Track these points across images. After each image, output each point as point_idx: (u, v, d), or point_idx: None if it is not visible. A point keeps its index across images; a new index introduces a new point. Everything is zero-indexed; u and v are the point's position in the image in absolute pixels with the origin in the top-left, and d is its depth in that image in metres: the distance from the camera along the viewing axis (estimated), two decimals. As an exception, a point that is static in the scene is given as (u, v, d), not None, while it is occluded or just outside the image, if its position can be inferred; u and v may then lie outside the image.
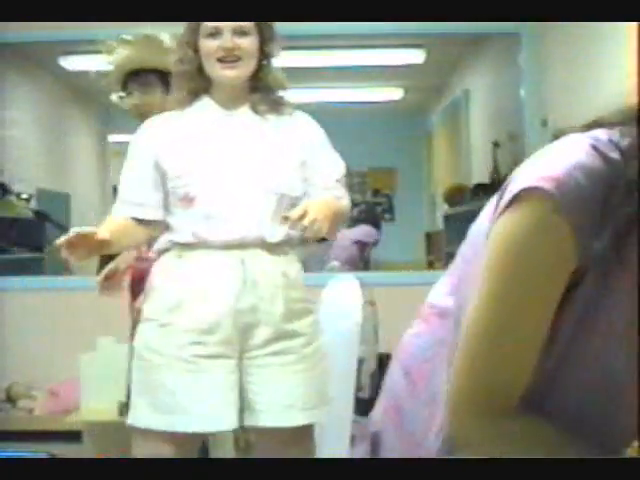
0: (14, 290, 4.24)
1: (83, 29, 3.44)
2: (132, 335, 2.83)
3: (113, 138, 8.07)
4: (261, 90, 1.93)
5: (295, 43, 5.38)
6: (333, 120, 8.99)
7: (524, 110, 4.46)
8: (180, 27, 3.08)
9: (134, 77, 2.69)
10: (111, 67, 2.71)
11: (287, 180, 1.88)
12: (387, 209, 8.49)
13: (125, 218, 2.01)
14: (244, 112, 1.93)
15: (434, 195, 7.64)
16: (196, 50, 1.91)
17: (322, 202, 1.83)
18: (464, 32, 4.59)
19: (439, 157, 7.72)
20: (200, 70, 1.92)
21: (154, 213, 1.99)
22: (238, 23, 1.86)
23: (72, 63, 5.56)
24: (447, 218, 6.51)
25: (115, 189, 2.31)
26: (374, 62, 6.04)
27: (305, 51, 5.69)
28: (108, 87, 2.78)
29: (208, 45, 1.87)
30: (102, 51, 2.71)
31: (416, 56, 5.80)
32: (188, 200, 1.86)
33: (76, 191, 7.05)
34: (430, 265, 7.23)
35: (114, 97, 2.73)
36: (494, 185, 4.53)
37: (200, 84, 1.93)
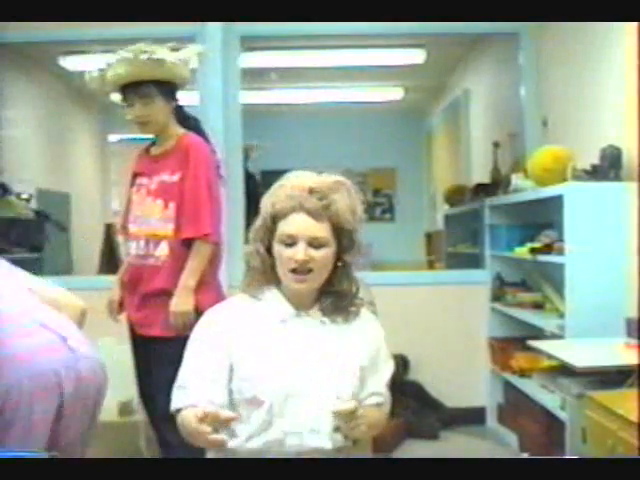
0: (14, 290, 4.23)
1: (83, 29, 3.44)
2: (131, 331, 2.82)
3: (113, 138, 8.08)
4: (332, 295, 1.84)
5: (295, 43, 5.41)
6: (333, 120, 8.98)
7: (524, 110, 4.46)
8: (180, 26, 3.09)
9: (133, 88, 2.69)
10: (110, 81, 2.71)
11: (348, 390, 1.78)
12: (387, 209, 8.49)
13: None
14: (314, 314, 1.85)
15: (434, 195, 7.64)
16: (269, 248, 1.83)
17: (369, 411, 1.78)
18: (464, 32, 4.60)
19: (439, 157, 7.72)
20: (273, 266, 1.84)
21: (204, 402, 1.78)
22: (315, 234, 1.75)
23: (72, 63, 5.56)
24: (447, 218, 6.51)
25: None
26: (374, 62, 6.04)
27: (305, 51, 5.70)
28: (103, 92, 2.78)
29: (281, 252, 1.78)
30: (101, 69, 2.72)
31: (416, 56, 5.80)
32: (256, 403, 1.77)
33: (76, 191, 7.05)
34: (430, 265, 7.23)
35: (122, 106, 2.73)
36: (494, 185, 4.53)
37: (272, 279, 1.85)
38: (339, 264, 1.83)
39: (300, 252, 1.75)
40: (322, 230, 1.77)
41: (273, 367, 1.78)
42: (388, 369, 1.91)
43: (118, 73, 2.68)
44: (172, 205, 2.66)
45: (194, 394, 1.78)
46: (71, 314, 2.19)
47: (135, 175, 2.83)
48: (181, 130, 2.78)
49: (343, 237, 1.80)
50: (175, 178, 2.67)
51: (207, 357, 1.81)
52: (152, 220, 2.69)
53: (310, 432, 1.77)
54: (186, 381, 1.81)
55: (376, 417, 1.84)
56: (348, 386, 1.78)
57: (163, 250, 2.66)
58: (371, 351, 1.87)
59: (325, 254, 1.78)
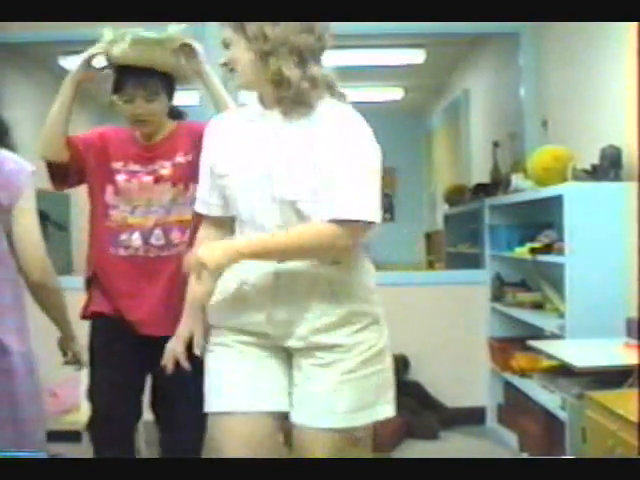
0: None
1: (83, 29, 3.44)
2: (128, 332, 2.71)
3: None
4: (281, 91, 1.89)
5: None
6: (333, 120, 8.87)
7: (524, 110, 4.47)
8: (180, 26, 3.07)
9: (137, 80, 2.50)
10: (115, 58, 2.53)
11: (300, 188, 1.82)
12: (387, 209, 8.50)
13: (207, 233, 2.11)
14: (277, 112, 1.92)
15: (434, 195, 7.64)
16: None
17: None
18: (464, 32, 4.60)
19: (439, 157, 7.72)
20: None
21: (216, 210, 2.07)
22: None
23: (72, 63, 5.53)
24: (447, 218, 6.51)
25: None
26: (374, 62, 6.05)
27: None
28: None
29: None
30: (105, 41, 2.54)
31: (416, 56, 5.81)
32: (229, 202, 1.99)
33: (76, 191, 7.04)
34: (430, 265, 7.23)
35: (115, 100, 2.55)
36: (494, 185, 4.53)
37: None
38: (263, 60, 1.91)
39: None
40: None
41: (235, 168, 1.94)
42: (352, 171, 1.81)
43: (137, 56, 2.49)
44: (192, 187, 2.44)
45: None
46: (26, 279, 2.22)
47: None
48: (171, 121, 2.64)
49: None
50: (189, 158, 2.53)
51: (202, 165, 2.07)
52: (174, 207, 2.55)
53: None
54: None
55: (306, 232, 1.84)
56: (297, 188, 1.84)
57: (187, 235, 2.51)
58: (324, 150, 1.83)
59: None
